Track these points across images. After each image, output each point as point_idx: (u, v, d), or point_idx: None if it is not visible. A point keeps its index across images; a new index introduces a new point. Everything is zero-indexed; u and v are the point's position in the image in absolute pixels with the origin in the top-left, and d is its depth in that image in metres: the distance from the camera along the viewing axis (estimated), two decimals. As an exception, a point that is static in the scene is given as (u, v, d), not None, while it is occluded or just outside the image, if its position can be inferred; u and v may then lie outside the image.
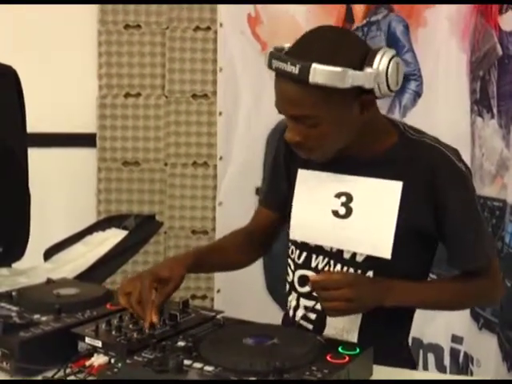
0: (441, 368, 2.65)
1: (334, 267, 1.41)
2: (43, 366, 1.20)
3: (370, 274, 1.38)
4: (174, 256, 1.64)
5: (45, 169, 2.69)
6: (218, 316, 1.36)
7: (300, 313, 1.46)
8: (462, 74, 2.56)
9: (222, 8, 2.95)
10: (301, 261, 1.46)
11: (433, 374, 1.71)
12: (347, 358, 1.11)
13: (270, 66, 1.29)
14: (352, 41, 1.32)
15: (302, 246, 1.46)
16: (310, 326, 1.43)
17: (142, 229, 2.25)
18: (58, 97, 2.99)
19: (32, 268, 2.11)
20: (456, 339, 2.63)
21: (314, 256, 1.44)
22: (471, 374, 2.47)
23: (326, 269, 1.41)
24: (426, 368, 2.69)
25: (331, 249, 1.41)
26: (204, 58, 3.04)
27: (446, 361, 2.66)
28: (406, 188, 1.34)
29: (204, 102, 3.06)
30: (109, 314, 1.36)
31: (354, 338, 1.38)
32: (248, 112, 2.95)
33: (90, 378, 1.16)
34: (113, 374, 1.07)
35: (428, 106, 2.66)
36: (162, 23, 3.08)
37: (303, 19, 2.83)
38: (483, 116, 2.45)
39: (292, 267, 1.50)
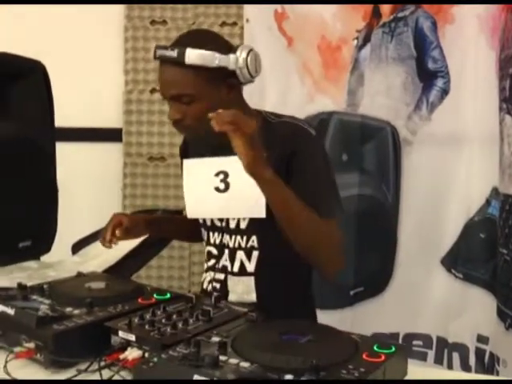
0: (466, 368, 2.63)
1: (229, 237, 1.64)
2: (77, 359, 1.21)
3: (254, 238, 1.61)
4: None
5: (72, 163, 2.70)
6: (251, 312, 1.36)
7: (212, 285, 1.70)
8: (491, 71, 2.53)
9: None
10: (205, 238, 1.73)
11: (466, 374, 1.69)
12: (383, 357, 1.10)
13: (154, 57, 1.53)
14: (219, 37, 1.61)
15: (203, 226, 1.72)
16: (219, 294, 1.59)
17: (170, 224, 2.24)
18: (84, 92, 3.02)
19: (60, 261, 2.13)
20: (482, 339, 2.61)
21: (211, 233, 1.70)
22: (497, 375, 2.45)
23: (219, 241, 1.67)
24: (450, 367, 2.67)
25: (221, 223, 1.66)
26: (230, 54, 3.04)
27: (471, 361, 2.64)
28: (270, 157, 1.47)
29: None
30: (140, 308, 1.36)
31: (253, 298, 1.62)
32: (274, 107, 2.92)
33: (125, 372, 1.16)
34: (148, 367, 1.07)
35: (455, 104, 2.63)
36: (188, 19, 3.08)
37: (330, 14, 2.81)
38: (512, 114, 2.43)
39: (206, 248, 1.74)
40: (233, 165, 1.57)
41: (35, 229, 2.17)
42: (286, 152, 1.55)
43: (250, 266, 1.63)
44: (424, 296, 2.70)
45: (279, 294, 1.63)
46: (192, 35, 1.60)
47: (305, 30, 2.84)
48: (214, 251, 1.70)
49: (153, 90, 3.13)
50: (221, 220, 1.67)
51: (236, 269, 1.64)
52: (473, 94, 2.57)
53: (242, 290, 1.63)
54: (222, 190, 1.64)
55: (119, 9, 3.11)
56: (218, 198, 1.64)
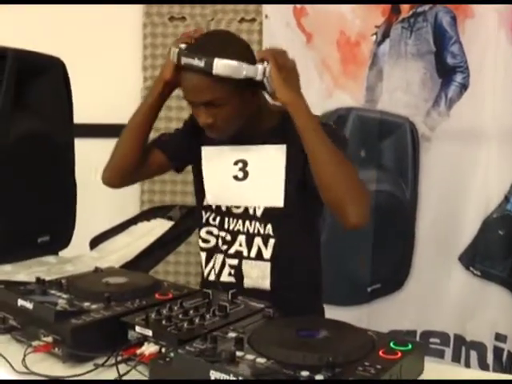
0: (484, 366, 2.62)
1: (243, 224, 1.67)
2: (94, 353, 1.22)
3: (269, 226, 1.64)
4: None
5: (90, 159, 2.71)
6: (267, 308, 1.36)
7: (226, 271, 1.71)
8: (511, 66, 2.51)
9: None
10: (217, 223, 1.72)
11: (483, 373, 1.68)
12: (400, 354, 1.09)
13: (178, 61, 1.53)
14: (243, 42, 1.62)
15: (217, 212, 1.72)
16: (233, 279, 1.69)
17: (188, 219, 2.26)
18: (103, 88, 3.03)
19: (78, 256, 2.15)
20: (500, 338, 2.59)
21: (226, 219, 1.71)
22: (516, 373, 2.43)
23: (237, 227, 1.69)
24: (468, 365, 2.66)
25: (238, 210, 1.68)
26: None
27: (489, 359, 2.63)
28: (289, 149, 1.61)
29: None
30: (157, 303, 1.37)
31: (266, 283, 1.64)
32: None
33: (141, 367, 1.17)
34: (165, 362, 1.07)
35: (474, 99, 2.62)
36: (207, 15, 3.08)
37: (349, 10, 2.80)
38: (532, 109, 2.42)
39: (215, 232, 1.73)
40: (252, 154, 1.67)
41: (54, 224, 2.19)
42: None
43: (267, 253, 1.65)
44: (442, 293, 2.69)
45: (292, 280, 1.67)
46: (217, 41, 1.57)
47: (324, 25, 2.83)
48: (228, 237, 1.71)
49: (171, 86, 3.13)
50: (238, 206, 1.69)
51: (253, 254, 1.67)
52: (492, 90, 2.55)
53: (257, 275, 1.66)
54: (240, 179, 1.67)
55: (138, 5, 3.12)
56: (236, 186, 1.68)
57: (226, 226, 1.71)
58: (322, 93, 2.82)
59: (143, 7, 3.12)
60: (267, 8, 2.93)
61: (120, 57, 3.11)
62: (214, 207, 1.73)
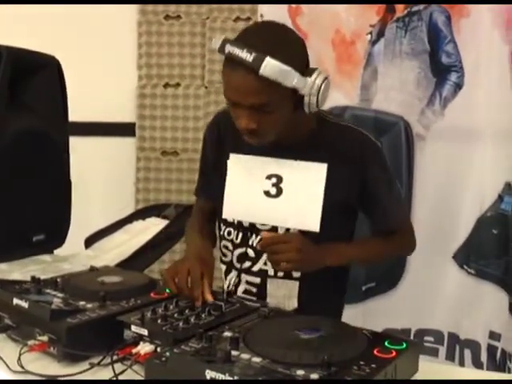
0: (477, 364, 2.63)
1: None
2: (89, 352, 1.22)
3: None
4: (192, 247, 1.68)
5: (85, 157, 2.71)
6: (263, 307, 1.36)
7: (242, 288, 1.63)
8: (505, 65, 2.52)
9: (262, 0, 2.95)
10: (238, 240, 1.62)
11: (478, 372, 1.69)
12: (394, 353, 1.10)
13: (221, 50, 1.34)
14: (302, 47, 1.44)
15: (238, 227, 1.61)
16: (252, 298, 1.57)
17: (183, 218, 2.25)
18: (98, 86, 3.02)
19: (73, 255, 2.14)
20: (493, 336, 2.60)
21: (249, 234, 1.60)
22: (509, 372, 2.45)
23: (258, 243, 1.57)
24: (462, 364, 2.66)
25: (264, 226, 1.56)
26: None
27: (483, 357, 2.63)
28: (331, 168, 1.47)
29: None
30: (153, 302, 1.37)
31: (294, 303, 1.57)
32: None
33: (137, 366, 1.17)
34: (161, 362, 1.08)
35: (469, 99, 2.62)
36: (203, 13, 3.08)
37: (344, 9, 2.80)
38: (526, 109, 2.42)
39: (230, 247, 1.65)
40: (288, 170, 1.51)
41: (48, 222, 2.19)
42: (355, 160, 1.53)
43: (296, 272, 1.56)
44: (436, 292, 2.69)
45: (321, 298, 1.57)
46: (271, 35, 1.38)
47: (319, 25, 2.83)
48: (252, 253, 1.61)
49: (166, 85, 3.13)
50: (264, 223, 1.57)
51: (281, 273, 1.58)
52: (486, 89, 2.56)
53: (284, 295, 1.58)
54: (272, 195, 1.52)
55: (133, 4, 3.11)
56: (266, 202, 1.52)
57: (250, 243, 1.61)
58: (317, 92, 2.82)
59: (138, 6, 3.11)
60: (262, 7, 2.93)
61: (115, 55, 3.10)
62: (234, 221, 1.62)
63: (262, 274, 1.60)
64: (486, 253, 2.62)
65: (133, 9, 3.11)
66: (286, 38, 1.40)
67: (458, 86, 2.65)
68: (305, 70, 1.39)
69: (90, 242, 2.25)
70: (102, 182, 3.14)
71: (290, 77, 1.33)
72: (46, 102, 2.20)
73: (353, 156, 1.52)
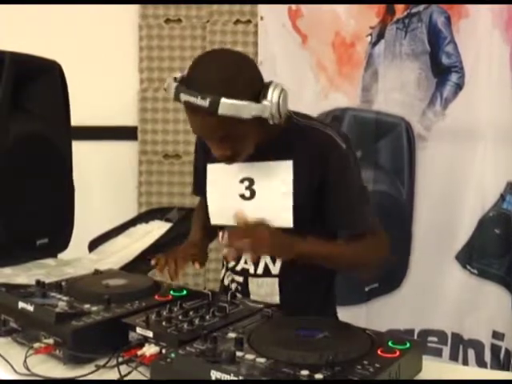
0: (481, 364, 2.63)
1: None
2: (95, 355, 1.23)
3: None
4: (187, 242, 1.81)
5: (87, 162, 2.72)
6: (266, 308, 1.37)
7: (233, 286, 1.68)
8: (505, 65, 2.53)
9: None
10: (224, 241, 1.59)
11: (482, 371, 1.69)
12: (398, 353, 1.10)
13: (177, 99, 1.40)
14: (251, 72, 1.46)
15: (223, 229, 1.63)
16: (240, 295, 1.61)
17: (186, 221, 2.26)
18: (100, 91, 3.03)
19: (77, 259, 2.15)
20: (497, 335, 2.61)
21: None
22: (513, 371, 2.45)
23: None
24: (465, 364, 2.67)
25: None
26: (244, 52, 3.01)
27: (487, 357, 2.64)
28: (296, 165, 1.53)
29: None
30: (157, 304, 1.38)
31: (276, 300, 1.59)
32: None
33: (142, 368, 1.18)
34: (166, 363, 1.08)
35: (469, 99, 2.63)
36: (203, 17, 3.09)
37: (344, 11, 2.81)
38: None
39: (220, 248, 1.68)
40: (258, 172, 1.58)
41: (52, 226, 2.20)
42: (316, 161, 1.53)
43: (275, 269, 1.60)
44: (439, 292, 2.70)
45: (303, 295, 1.61)
46: (220, 73, 1.39)
47: (319, 27, 2.84)
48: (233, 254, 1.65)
49: (167, 88, 3.14)
50: None
51: (260, 271, 1.62)
52: (487, 89, 2.57)
53: (266, 292, 1.61)
54: (247, 198, 1.60)
55: (134, 7, 3.12)
56: (242, 205, 1.59)
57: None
58: (318, 94, 2.83)
59: (139, 9, 3.12)
60: (262, 9, 2.94)
61: (116, 59, 3.12)
62: (218, 225, 1.68)
63: (244, 272, 1.64)
64: (489, 253, 2.63)
65: (134, 13, 3.12)
66: (236, 71, 1.41)
67: (459, 87, 2.66)
68: (260, 92, 1.42)
69: (93, 245, 2.26)
70: (104, 186, 3.15)
71: (247, 109, 1.38)
72: (49, 106, 2.20)
73: (313, 157, 1.53)
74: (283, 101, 1.43)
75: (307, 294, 1.62)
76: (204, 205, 1.79)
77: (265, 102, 1.40)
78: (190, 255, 1.65)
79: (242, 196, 1.60)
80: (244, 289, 1.64)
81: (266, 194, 1.58)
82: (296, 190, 1.54)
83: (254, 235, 1.41)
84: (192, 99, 1.36)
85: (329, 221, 1.56)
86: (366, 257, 1.55)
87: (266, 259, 1.61)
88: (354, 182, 1.57)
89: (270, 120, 1.43)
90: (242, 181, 1.60)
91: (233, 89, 1.36)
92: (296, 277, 1.59)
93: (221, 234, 1.70)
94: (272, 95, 1.41)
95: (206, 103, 1.34)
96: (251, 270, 1.63)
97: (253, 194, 1.59)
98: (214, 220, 1.68)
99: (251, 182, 1.59)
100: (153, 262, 1.62)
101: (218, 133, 1.43)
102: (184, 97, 1.37)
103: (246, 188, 1.60)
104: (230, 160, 1.51)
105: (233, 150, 1.48)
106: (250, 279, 1.63)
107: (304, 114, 1.63)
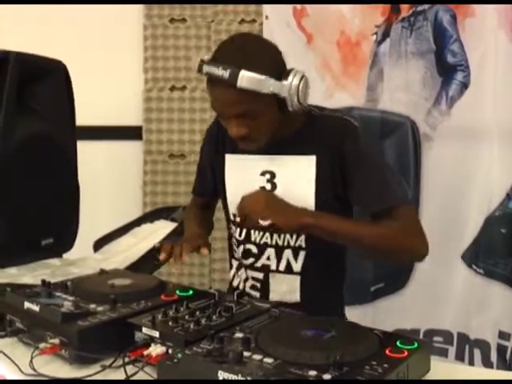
0: (487, 364, 2.62)
1: (271, 237, 1.62)
2: (101, 355, 1.22)
3: (302, 237, 1.59)
4: (189, 234, 1.81)
5: (92, 161, 2.72)
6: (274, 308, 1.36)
7: (249, 283, 1.68)
8: (511, 64, 2.51)
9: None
10: (242, 237, 1.68)
11: (489, 371, 1.68)
12: (406, 353, 1.10)
13: (199, 70, 1.44)
14: (275, 53, 1.50)
15: (237, 224, 1.67)
16: (257, 294, 1.66)
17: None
18: (105, 91, 3.04)
19: (82, 258, 2.15)
20: (503, 335, 2.60)
21: (252, 232, 1.65)
22: (519, 371, 2.44)
23: (263, 240, 1.63)
24: (471, 364, 2.66)
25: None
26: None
27: (493, 357, 2.63)
28: (319, 160, 1.55)
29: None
30: (163, 304, 1.37)
31: (296, 298, 1.61)
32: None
33: (149, 368, 1.17)
34: (173, 364, 1.08)
35: (475, 98, 2.62)
36: (208, 16, 3.09)
37: (349, 10, 2.81)
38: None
39: (236, 244, 1.72)
40: (280, 165, 1.60)
41: (57, 226, 2.19)
42: (335, 146, 1.53)
43: (297, 266, 1.61)
44: (444, 292, 2.69)
45: (322, 293, 1.63)
46: (244, 48, 1.45)
47: (324, 26, 2.83)
48: (254, 249, 1.66)
49: (172, 88, 3.14)
50: None
51: (282, 267, 1.62)
52: (492, 88, 2.56)
53: (286, 289, 1.62)
54: (268, 191, 1.60)
55: (138, 7, 3.13)
56: None
57: (252, 239, 1.66)
58: (323, 93, 2.83)
59: (144, 9, 3.12)
60: (267, 9, 2.94)
61: (121, 59, 3.12)
62: (235, 219, 1.68)
63: (265, 269, 1.64)
64: (495, 252, 2.62)
65: (138, 12, 3.13)
66: (258, 48, 1.47)
67: (465, 85, 2.65)
68: (282, 73, 1.45)
69: (98, 245, 2.26)
70: (109, 186, 3.15)
71: (266, 84, 1.40)
72: (54, 106, 2.20)
73: (333, 142, 1.53)
74: (303, 86, 1.46)
75: (326, 292, 1.65)
76: (201, 204, 1.86)
77: (285, 82, 1.43)
78: (196, 243, 1.65)
79: (263, 189, 1.61)
80: (264, 285, 1.65)
81: (287, 188, 1.57)
82: (318, 185, 1.55)
83: (250, 198, 1.45)
84: (213, 69, 1.40)
85: (356, 200, 1.55)
86: (394, 239, 1.47)
87: (288, 256, 1.61)
88: (374, 158, 1.58)
89: (288, 105, 1.46)
90: (262, 174, 1.62)
91: (254, 63, 1.40)
92: (315, 274, 1.61)
93: (233, 228, 1.72)
94: (293, 78, 1.44)
95: (226, 74, 1.38)
96: (273, 267, 1.63)
97: (274, 187, 1.61)
98: (233, 211, 1.68)
99: (272, 175, 1.61)
100: (156, 245, 1.63)
101: (237, 108, 1.44)
102: (206, 68, 1.42)
103: (268, 181, 1.61)
104: (245, 140, 1.51)
105: (249, 129, 1.48)
106: (272, 275, 1.64)
107: (319, 106, 1.63)
